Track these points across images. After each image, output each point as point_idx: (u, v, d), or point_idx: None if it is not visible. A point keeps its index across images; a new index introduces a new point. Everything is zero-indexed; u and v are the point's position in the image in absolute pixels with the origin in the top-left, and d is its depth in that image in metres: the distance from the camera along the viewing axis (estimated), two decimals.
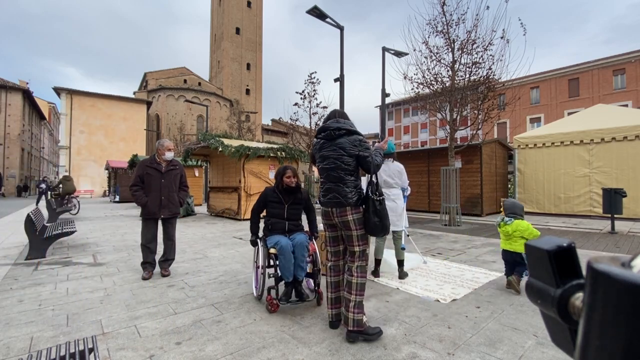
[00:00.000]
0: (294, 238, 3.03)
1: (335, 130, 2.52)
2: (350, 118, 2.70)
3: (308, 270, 3.07)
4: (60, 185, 11.99)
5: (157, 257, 4.06)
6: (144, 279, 3.79)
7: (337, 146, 2.50)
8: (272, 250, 2.96)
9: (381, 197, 2.45)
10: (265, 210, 3.24)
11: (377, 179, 2.49)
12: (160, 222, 4.05)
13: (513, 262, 3.31)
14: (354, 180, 2.50)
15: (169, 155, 4.09)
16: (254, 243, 3.26)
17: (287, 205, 3.17)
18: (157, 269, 4.06)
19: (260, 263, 3.02)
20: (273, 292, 2.85)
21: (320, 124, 15.30)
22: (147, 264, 3.92)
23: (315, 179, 16.43)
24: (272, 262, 3.03)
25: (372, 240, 4.02)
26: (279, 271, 2.94)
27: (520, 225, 3.16)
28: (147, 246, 3.92)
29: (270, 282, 3.07)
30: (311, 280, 3.24)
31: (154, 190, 3.93)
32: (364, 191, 2.52)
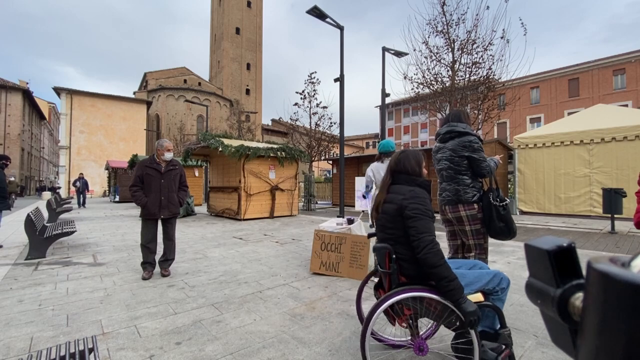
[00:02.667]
0: (475, 264, 2.00)
1: (445, 134, 2.72)
2: (466, 118, 2.74)
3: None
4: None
5: (157, 257, 4.06)
6: (144, 279, 3.80)
7: (447, 148, 2.69)
8: (478, 298, 1.72)
9: (504, 203, 2.47)
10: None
11: (497, 184, 2.58)
12: (160, 222, 4.05)
13: None
14: (466, 179, 2.61)
15: (169, 155, 4.09)
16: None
17: None
18: (157, 269, 4.06)
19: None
20: None
21: (320, 123, 15.40)
22: (147, 264, 3.92)
23: (315, 179, 16.42)
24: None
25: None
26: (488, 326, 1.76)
27: None
28: (147, 246, 3.92)
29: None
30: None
31: (153, 190, 3.93)
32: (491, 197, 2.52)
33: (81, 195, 15.78)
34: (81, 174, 16.81)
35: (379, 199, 1.98)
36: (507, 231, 2.47)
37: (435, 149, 2.86)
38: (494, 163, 2.70)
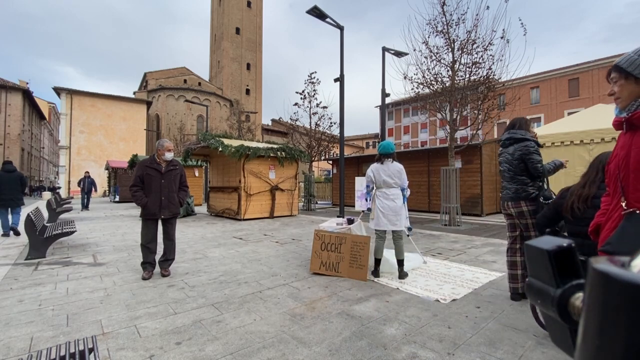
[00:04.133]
0: None
1: (506, 141, 3.10)
2: (526, 125, 3.08)
3: None
4: None
5: (157, 257, 4.06)
6: (144, 279, 3.80)
7: (507, 152, 3.08)
8: None
9: (548, 201, 2.77)
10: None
11: (548, 185, 3.00)
12: (160, 222, 4.05)
13: None
14: (524, 179, 2.97)
15: (169, 155, 4.09)
16: None
17: None
18: (157, 269, 4.06)
19: None
20: None
21: (320, 123, 15.38)
22: (147, 264, 3.92)
23: (314, 179, 16.43)
24: None
25: (372, 239, 4.02)
26: None
27: None
28: (147, 246, 3.92)
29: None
30: None
31: (154, 190, 3.93)
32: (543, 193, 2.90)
33: (86, 196, 14.19)
34: (87, 172, 15.04)
35: (586, 193, 2.03)
36: None
37: (499, 153, 3.26)
38: (553, 164, 3.09)
